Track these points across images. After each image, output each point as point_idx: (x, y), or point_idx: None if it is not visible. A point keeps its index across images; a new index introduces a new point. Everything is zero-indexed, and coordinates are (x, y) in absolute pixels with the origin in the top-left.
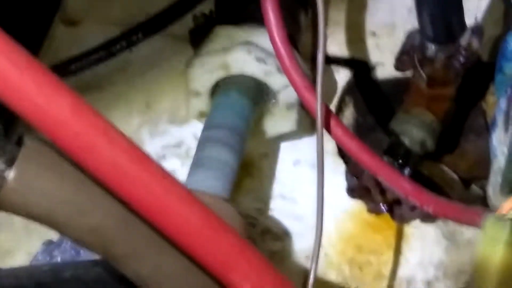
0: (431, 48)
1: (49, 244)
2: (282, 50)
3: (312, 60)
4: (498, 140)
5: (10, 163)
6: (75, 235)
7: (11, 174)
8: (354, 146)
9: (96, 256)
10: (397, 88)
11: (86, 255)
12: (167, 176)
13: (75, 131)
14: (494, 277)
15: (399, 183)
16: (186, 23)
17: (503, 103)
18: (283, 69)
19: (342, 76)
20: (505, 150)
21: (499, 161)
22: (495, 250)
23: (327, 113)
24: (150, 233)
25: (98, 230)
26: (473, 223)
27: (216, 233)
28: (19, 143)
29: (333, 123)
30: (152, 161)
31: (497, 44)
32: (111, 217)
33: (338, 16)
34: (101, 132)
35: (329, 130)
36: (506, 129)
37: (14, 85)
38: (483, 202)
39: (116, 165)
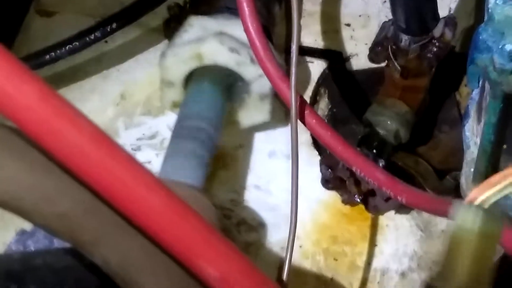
0: (405, 39)
1: (22, 233)
2: (256, 41)
3: (286, 51)
4: (470, 131)
5: None
6: (43, 222)
7: None
8: (328, 137)
9: (68, 245)
10: (372, 78)
11: (60, 244)
12: (134, 163)
13: (42, 117)
14: (466, 266)
15: (373, 174)
16: (160, 13)
17: (475, 94)
18: (257, 60)
19: (317, 67)
20: (478, 141)
21: (471, 152)
22: (466, 239)
23: (302, 103)
24: (117, 220)
25: (66, 217)
26: (445, 213)
27: (182, 219)
28: None
29: (307, 114)
30: (119, 147)
31: (470, 35)
32: (78, 204)
33: (313, 7)
34: (68, 119)
35: (303, 121)
36: (479, 120)
37: None
38: (457, 193)
39: (83, 151)
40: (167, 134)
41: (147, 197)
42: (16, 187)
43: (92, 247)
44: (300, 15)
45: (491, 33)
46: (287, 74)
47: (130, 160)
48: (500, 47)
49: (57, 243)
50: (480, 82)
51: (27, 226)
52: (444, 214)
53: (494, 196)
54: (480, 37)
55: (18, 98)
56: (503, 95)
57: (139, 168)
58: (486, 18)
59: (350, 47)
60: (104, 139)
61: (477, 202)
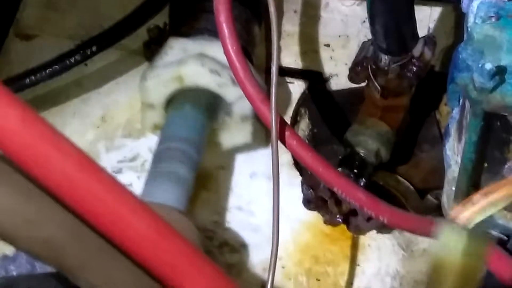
0: (384, 59)
1: (4, 259)
2: (236, 62)
3: (266, 72)
4: (451, 149)
5: None
6: (27, 247)
7: None
8: (309, 158)
9: (52, 270)
10: (352, 98)
11: (42, 269)
12: (118, 186)
13: (25, 141)
14: (451, 286)
15: (354, 194)
16: (140, 36)
17: (456, 113)
18: (237, 81)
19: (297, 87)
20: (459, 159)
21: (453, 171)
22: (448, 258)
23: (282, 124)
24: (101, 244)
25: (49, 241)
26: (427, 233)
27: (166, 241)
28: None
29: (288, 135)
30: (103, 171)
31: (450, 54)
32: (62, 228)
33: (292, 28)
34: (52, 143)
35: (284, 142)
36: (459, 138)
37: None
38: (438, 212)
39: (67, 176)
40: (148, 157)
41: (131, 220)
42: (0, 212)
43: (77, 271)
44: (279, 36)
45: (471, 52)
46: (268, 95)
47: (114, 184)
48: (480, 66)
49: (40, 268)
50: (461, 101)
51: (9, 251)
52: (426, 233)
53: (476, 214)
54: (460, 56)
55: (1, 121)
56: (484, 113)
57: (123, 192)
58: (465, 37)
59: (330, 67)
60: (88, 163)
61: (459, 220)
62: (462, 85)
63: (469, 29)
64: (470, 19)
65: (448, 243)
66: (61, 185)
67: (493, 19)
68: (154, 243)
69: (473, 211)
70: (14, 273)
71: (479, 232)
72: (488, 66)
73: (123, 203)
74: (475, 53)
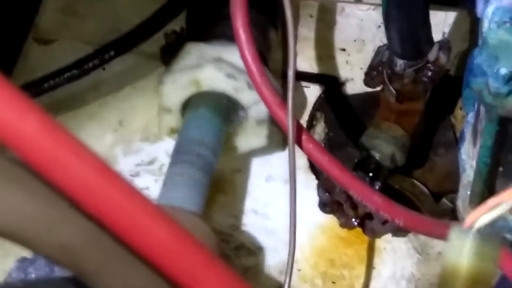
0: (400, 63)
1: (23, 261)
2: (253, 67)
3: (282, 77)
4: (466, 154)
5: None
6: (45, 252)
7: None
8: (325, 161)
9: (70, 274)
10: (367, 103)
11: (61, 272)
12: (135, 192)
13: (44, 147)
14: None
15: (370, 198)
16: (157, 40)
17: (471, 118)
18: (254, 86)
19: (313, 92)
20: (474, 164)
21: (467, 175)
22: (460, 262)
23: (299, 128)
24: (119, 249)
25: (67, 246)
26: (442, 236)
27: (183, 247)
28: None
29: (304, 138)
30: (120, 177)
31: (464, 59)
32: (80, 233)
33: (308, 32)
34: (70, 149)
35: (300, 146)
36: (474, 143)
37: None
38: (453, 215)
39: (85, 182)
40: (165, 160)
41: (150, 227)
42: (17, 217)
43: (94, 277)
44: (295, 41)
45: (486, 57)
46: (284, 99)
47: (132, 190)
48: (494, 71)
49: (58, 271)
50: (475, 106)
51: (28, 253)
52: (441, 236)
53: (487, 219)
54: (475, 61)
55: (20, 128)
56: (499, 118)
57: (142, 199)
58: (480, 42)
59: (345, 71)
60: (106, 170)
61: (473, 225)
62: (477, 90)
63: (484, 34)
64: (485, 24)
65: (459, 246)
66: (79, 191)
67: (508, 24)
68: (172, 250)
69: (488, 216)
70: (33, 275)
71: (491, 235)
72: (503, 71)
73: (141, 209)
74: (490, 58)
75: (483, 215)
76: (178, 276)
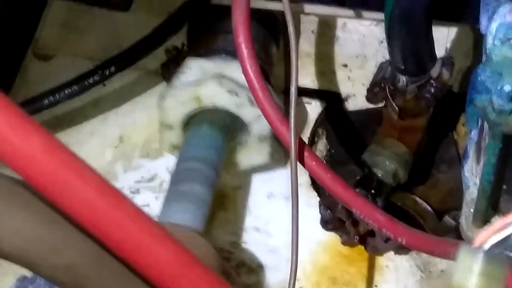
0: (402, 80)
1: (22, 280)
2: (255, 83)
3: (284, 93)
4: (470, 171)
5: None
6: (49, 274)
7: None
8: (328, 179)
9: None
10: (370, 119)
11: None
12: (140, 214)
13: (47, 169)
14: None
15: (373, 216)
16: (158, 56)
17: (474, 135)
18: (256, 102)
19: (315, 108)
20: (477, 181)
21: (471, 192)
22: (469, 282)
23: (301, 145)
24: (123, 270)
25: (71, 268)
26: (446, 255)
27: (188, 269)
28: None
29: (306, 155)
30: (125, 198)
31: (467, 75)
32: (84, 255)
33: (310, 48)
34: (73, 170)
35: (302, 163)
36: (478, 160)
37: None
38: (456, 233)
39: (89, 203)
40: (166, 177)
41: (154, 248)
42: (22, 239)
43: None
44: (297, 57)
45: (490, 74)
46: (286, 115)
47: (136, 212)
48: (499, 88)
49: None
50: (479, 123)
51: (27, 272)
52: (444, 255)
53: (494, 239)
54: (479, 78)
55: (23, 149)
56: (503, 135)
57: (146, 220)
58: (484, 59)
59: (347, 87)
60: (110, 191)
61: (482, 246)
62: (481, 107)
63: (487, 50)
64: (489, 40)
65: (465, 266)
66: (83, 213)
67: None
68: (177, 272)
69: (496, 236)
70: None
71: (498, 255)
72: (507, 88)
73: (145, 230)
74: (494, 75)
75: (491, 236)
76: None
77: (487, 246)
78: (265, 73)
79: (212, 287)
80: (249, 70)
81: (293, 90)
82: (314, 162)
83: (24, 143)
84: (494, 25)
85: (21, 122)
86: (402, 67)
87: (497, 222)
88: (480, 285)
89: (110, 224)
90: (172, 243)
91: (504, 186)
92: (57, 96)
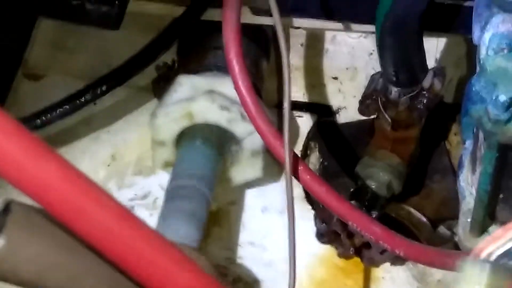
0: (394, 91)
1: None
2: (247, 98)
3: (276, 106)
4: (465, 181)
5: None
6: None
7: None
8: (323, 192)
9: None
10: (361, 131)
11: None
12: (158, 238)
13: (65, 196)
14: None
15: (369, 228)
16: (148, 73)
17: (469, 145)
18: (249, 117)
19: (306, 121)
20: (473, 191)
21: (467, 202)
22: None
23: (295, 159)
24: None
25: None
26: (445, 266)
27: None
28: (7, 210)
29: (301, 169)
30: (142, 223)
31: (458, 85)
32: (103, 282)
33: (299, 61)
34: (89, 195)
35: (297, 177)
36: (473, 170)
37: (2, 152)
38: (452, 242)
39: (107, 229)
40: (159, 194)
41: (175, 273)
42: (39, 267)
43: None
44: (290, 73)
45: (484, 84)
46: (278, 129)
47: (155, 236)
48: (494, 98)
49: None
50: (474, 133)
51: None
52: (442, 266)
53: (499, 250)
54: (473, 89)
55: (42, 177)
56: (498, 145)
57: (165, 244)
58: (478, 69)
59: (338, 100)
60: (127, 215)
61: (482, 255)
62: (476, 117)
63: (481, 61)
64: (482, 51)
65: (470, 277)
66: (102, 239)
67: (505, 51)
68: None
69: (496, 246)
70: None
71: (502, 266)
72: (502, 98)
73: (165, 256)
74: (489, 85)
75: (490, 246)
76: None
77: (491, 257)
78: (256, 88)
79: None
80: (241, 86)
81: (286, 105)
82: (308, 176)
83: (39, 169)
84: (487, 36)
85: (35, 148)
86: (394, 79)
87: (498, 231)
88: None
89: (129, 249)
90: (192, 267)
91: (501, 195)
92: (49, 115)
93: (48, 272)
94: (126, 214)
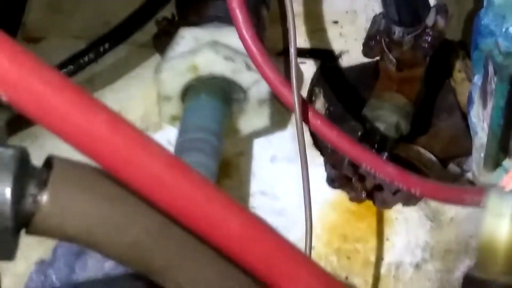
0: (398, 31)
1: (41, 263)
2: (253, 47)
3: (279, 54)
4: (476, 116)
5: (42, 186)
6: (114, 253)
7: (44, 198)
8: (335, 136)
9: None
10: (365, 74)
11: (81, 272)
12: (208, 185)
13: (114, 147)
14: (502, 253)
15: (384, 169)
16: (147, 29)
17: (477, 79)
18: (255, 66)
19: (309, 67)
20: (485, 126)
21: (480, 138)
22: (501, 226)
23: (304, 105)
24: (193, 244)
25: (136, 245)
26: (462, 202)
27: (261, 237)
28: (49, 164)
29: (310, 114)
30: (191, 170)
31: (459, 22)
32: (149, 231)
33: (298, 7)
34: (140, 145)
35: (307, 122)
36: (484, 105)
37: (50, 107)
38: (463, 179)
39: (157, 178)
40: (167, 149)
41: (223, 217)
42: (85, 221)
43: (163, 272)
44: (294, 21)
45: (493, 17)
46: (285, 77)
47: (204, 182)
48: (503, 30)
49: (79, 271)
50: (485, 67)
51: (45, 254)
52: (459, 202)
53: None
54: (482, 22)
55: (89, 129)
56: (510, 77)
57: (214, 190)
58: (485, 2)
59: (340, 44)
60: (176, 163)
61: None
62: (487, 51)
63: None
64: None
65: (496, 210)
66: (151, 187)
67: None
68: (251, 242)
69: None
70: (53, 277)
71: None
72: None
73: (213, 200)
74: (497, 17)
75: None
76: (260, 269)
77: None
78: (259, 37)
79: (289, 255)
80: (246, 35)
81: (292, 50)
82: (319, 121)
83: (89, 122)
84: None
85: (84, 101)
86: (397, 18)
87: None
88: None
89: (179, 196)
90: (243, 212)
91: None
92: None
93: (94, 226)
94: (174, 162)
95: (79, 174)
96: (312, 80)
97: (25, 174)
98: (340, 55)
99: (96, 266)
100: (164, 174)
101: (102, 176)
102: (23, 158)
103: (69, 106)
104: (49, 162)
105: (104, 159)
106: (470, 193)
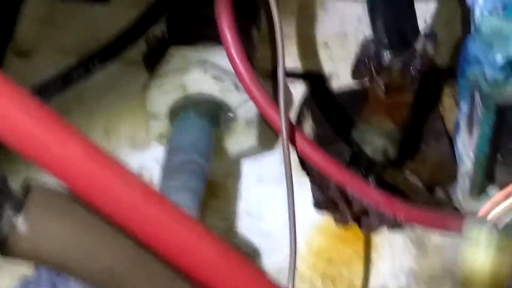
0: (387, 55)
1: (24, 279)
2: (241, 68)
3: (268, 76)
4: (463, 143)
5: (18, 209)
6: (87, 278)
7: (20, 221)
8: (321, 160)
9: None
10: (354, 97)
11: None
12: (182, 214)
13: (87, 172)
14: (480, 282)
15: (370, 194)
16: (137, 46)
17: (464, 107)
18: (243, 87)
19: (298, 89)
20: (471, 153)
21: (465, 165)
22: (478, 255)
23: (291, 127)
24: (163, 271)
25: (110, 271)
26: (447, 228)
27: (235, 267)
28: (26, 190)
29: (297, 137)
30: (165, 199)
31: (447, 48)
32: (123, 257)
33: (289, 29)
34: (114, 173)
35: (294, 145)
36: (470, 132)
37: (27, 134)
38: (448, 206)
39: (131, 205)
40: (154, 167)
41: (198, 246)
42: (59, 245)
43: None
44: (283, 42)
45: (480, 46)
46: (273, 98)
47: (178, 212)
48: (490, 58)
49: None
50: (471, 94)
51: (28, 271)
52: (443, 228)
53: (504, 213)
54: (469, 50)
55: (66, 156)
56: (496, 106)
57: (188, 219)
58: (473, 30)
59: (329, 66)
60: (151, 192)
61: (490, 217)
62: (473, 79)
63: (476, 22)
64: (477, 12)
65: (477, 240)
66: (125, 214)
67: (500, 11)
68: (225, 272)
69: (500, 209)
70: None
71: (509, 228)
72: (499, 58)
73: (188, 230)
74: (484, 46)
75: (494, 210)
76: None
77: (496, 218)
78: (248, 58)
79: (257, 282)
80: (235, 56)
81: (280, 72)
82: (306, 144)
83: (66, 150)
84: None
85: (61, 128)
86: (386, 43)
87: (499, 193)
88: (491, 258)
89: (154, 224)
90: (215, 240)
91: (499, 157)
92: (43, 93)
93: (68, 251)
94: (149, 191)
95: (55, 200)
96: (301, 101)
97: (1, 196)
98: (329, 78)
99: (79, 283)
100: (141, 203)
101: (77, 203)
102: (0, 181)
103: (46, 134)
104: (27, 187)
105: (79, 186)
106: (454, 220)
